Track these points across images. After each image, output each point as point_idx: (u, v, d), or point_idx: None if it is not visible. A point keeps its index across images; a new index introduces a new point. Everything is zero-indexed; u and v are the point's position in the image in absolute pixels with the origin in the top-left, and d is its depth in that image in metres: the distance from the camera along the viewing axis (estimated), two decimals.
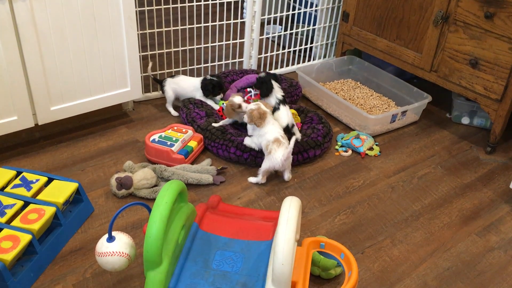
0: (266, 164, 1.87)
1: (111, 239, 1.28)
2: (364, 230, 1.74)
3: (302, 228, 1.72)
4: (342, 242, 1.66)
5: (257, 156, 1.97)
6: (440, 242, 1.72)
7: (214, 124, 2.07)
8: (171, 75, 2.35)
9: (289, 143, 1.85)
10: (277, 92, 2.04)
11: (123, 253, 1.28)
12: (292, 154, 1.99)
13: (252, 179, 1.93)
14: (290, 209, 1.24)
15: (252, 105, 1.92)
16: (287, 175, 1.94)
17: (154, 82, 2.43)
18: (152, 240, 1.20)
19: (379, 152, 2.17)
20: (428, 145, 2.26)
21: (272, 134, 1.87)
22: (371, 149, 2.17)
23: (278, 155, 1.83)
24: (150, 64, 2.37)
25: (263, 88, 2.05)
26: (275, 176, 1.98)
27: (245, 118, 1.92)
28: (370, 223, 1.78)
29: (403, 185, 1.99)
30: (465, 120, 2.43)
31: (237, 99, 1.99)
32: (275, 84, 2.06)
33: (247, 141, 1.97)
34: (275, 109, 2.01)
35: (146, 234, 1.21)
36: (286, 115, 2.01)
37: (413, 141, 2.28)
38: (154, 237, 1.20)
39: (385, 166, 2.10)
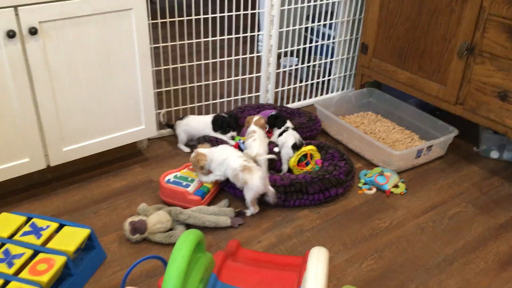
0: (250, 194, 1.83)
1: None
2: (394, 277, 1.62)
3: None
4: None
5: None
6: None
7: None
8: (180, 118, 2.30)
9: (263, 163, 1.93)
10: (288, 123, 2.20)
11: None
12: (313, 193, 1.90)
13: (248, 212, 1.87)
14: (318, 263, 1.14)
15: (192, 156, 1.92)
16: (272, 199, 1.86)
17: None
18: None
19: (405, 189, 2.06)
20: (457, 182, 2.14)
21: (234, 161, 1.84)
22: (396, 186, 2.07)
23: (256, 180, 1.80)
24: (163, 111, 2.34)
25: (278, 122, 2.21)
26: (296, 217, 1.88)
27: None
28: (400, 269, 1.66)
29: (433, 225, 1.87)
30: (494, 154, 2.31)
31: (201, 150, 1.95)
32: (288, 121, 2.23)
33: (203, 179, 1.93)
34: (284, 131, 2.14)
35: None
36: (292, 135, 2.11)
37: (441, 178, 2.17)
38: None
39: (413, 205, 1.98)
